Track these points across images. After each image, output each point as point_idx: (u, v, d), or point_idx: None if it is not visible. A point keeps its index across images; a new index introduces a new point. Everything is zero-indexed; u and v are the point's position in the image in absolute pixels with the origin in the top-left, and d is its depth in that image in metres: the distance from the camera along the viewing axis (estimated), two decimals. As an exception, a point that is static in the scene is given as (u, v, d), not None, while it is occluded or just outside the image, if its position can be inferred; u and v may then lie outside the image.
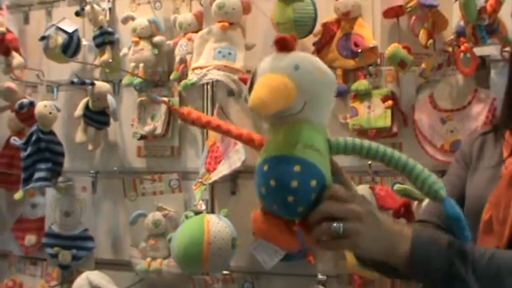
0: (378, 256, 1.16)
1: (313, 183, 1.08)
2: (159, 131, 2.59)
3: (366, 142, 1.16)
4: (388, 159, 1.15)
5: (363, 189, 2.19)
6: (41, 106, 2.57)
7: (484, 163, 1.42)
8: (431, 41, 2.10)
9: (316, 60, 1.14)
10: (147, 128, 2.60)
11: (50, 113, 2.58)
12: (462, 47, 2.06)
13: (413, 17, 2.16)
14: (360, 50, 2.28)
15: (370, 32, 2.30)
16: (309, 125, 1.12)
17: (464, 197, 1.44)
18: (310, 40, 2.36)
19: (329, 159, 1.14)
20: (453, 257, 1.14)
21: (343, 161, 2.29)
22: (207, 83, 2.48)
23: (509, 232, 1.26)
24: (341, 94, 2.31)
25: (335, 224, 1.08)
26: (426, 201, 1.99)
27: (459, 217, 1.15)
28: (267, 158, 1.11)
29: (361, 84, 2.26)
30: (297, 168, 1.07)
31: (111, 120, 2.65)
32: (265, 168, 1.10)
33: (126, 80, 2.65)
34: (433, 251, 1.15)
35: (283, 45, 1.12)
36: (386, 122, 2.21)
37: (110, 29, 2.70)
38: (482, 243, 1.30)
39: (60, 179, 2.72)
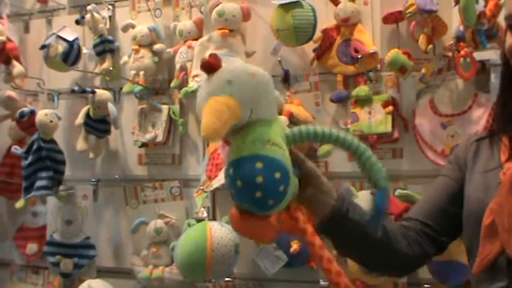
0: None
1: (278, 175, 1.14)
2: (160, 138, 2.59)
3: (320, 128, 1.24)
4: (341, 142, 1.24)
5: (364, 195, 2.19)
6: (42, 115, 2.58)
7: (480, 166, 1.42)
8: (431, 46, 2.10)
9: (244, 66, 1.19)
10: (148, 136, 2.60)
11: (51, 121, 2.58)
12: (462, 52, 2.06)
13: (413, 23, 2.17)
14: (360, 56, 2.28)
15: (369, 37, 2.30)
16: (262, 123, 1.18)
17: (452, 196, 1.46)
18: (310, 46, 2.37)
19: (288, 150, 1.20)
20: None
21: (345, 167, 2.33)
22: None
23: None
24: (342, 100, 2.32)
25: None
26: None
27: (381, 211, 1.26)
28: (231, 161, 1.16)
29: (362, 90, 2.26)
30: (259, 165, 1.13)
31: (112, 128, 2.66)
32: (231, 171, 1.15)
33: (126, 88, 2.66)
34: None
35: (210, 68, 1.16)
36: (387, 127, 2.21)
37: (110, 37, 2.70)
38: (484, 247, 1.30)
39: (62, 187, 2.71)
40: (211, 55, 1.17)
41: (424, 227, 1.46)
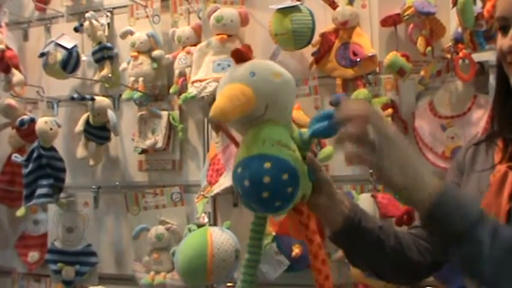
0: (402, 180, 1.12)
1: (285, 176, 1.13)
2: (160, 144, 2.59)
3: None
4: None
5: (365, 198, 2.19)
6: (42, 122, 2.58)
7: (476, 170, 1.42)
8: (429, 48, 2.10)
9: (272, 64, 1.22)
10: (148, 142, 2.60)
11: (51, 129, 2.58)
12: (460, 54, 2.07)
13: (411, 25, 2.17)
14: (358, 59, 2.28)
15: (368, 41, 2.30)
16: (274, 125, 1.18)
17: None
18: (308, 50, 2.36)
19: (299, 152, 1.19)
20: (480, 219, 1.11)
21: (345, 170, 2.32)
22: (207, 96, 2.48)
23: None
24: (341, 103, 2.31)
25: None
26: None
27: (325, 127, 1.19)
28: (240, 161, 1.16)
29: (361, 93, 2.26)
30: (267, 164, 1.12)
31: (112, 135, 2.65)
32: (239, 170, 1.15)
33: (126, 94, 2.66)
34: (463, 200, 1.13)
35: (240, 57, 1.20)
36: (387, 130, 2.21)
37: (108, 44, 2.70)
38: None
39: (62, 194, 2.71)
40: (244, 46, 1.19)
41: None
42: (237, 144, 1.28)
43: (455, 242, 1.11)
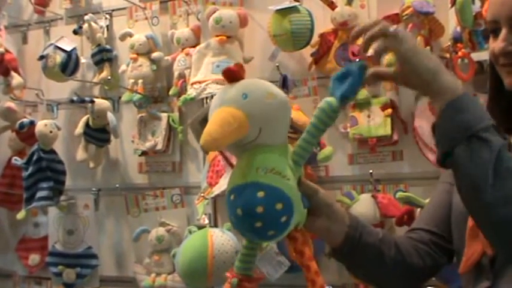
0: (430, 65, 1.15)
1: (279, 206, 1.09)
2: (159, 146, 2.59)
3: (305, 134, 1.18)
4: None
5: (365, 199, 2.19)
6: (41, 125, 2.58)
7: None
8: (428, 47, 2.09)
9: (265, 84, 1.15)
10: (148, 144, 2.60)
11: (51, 131, 2.58)
12: (459, 53, 2.06)
13: (410, 25, 2.16)
14: (358, 60, 2.27)
15: (367, 41, 2.30)
16: (268, 149, 1.13)
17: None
18: (307, 51, 2.37)
19: (294, 180, 1.15)
20: (493, 127, 1.13)
21: (345, 171, 2.32)
22: (207, 97, 2.46)
23: None
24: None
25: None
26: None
27: (349, 86, 1.18)
28: (233, 187, 1.13)
29: (361, 93, 2.25)
30: (260, 194, 1.08)
31: (112, 137, 2.66)
32: (232, 198, 1.12)
33: (125, 96, 2.65)
34: (477, 106, 1.15)
35: (231, 76, 1.14)
36: (387, 130, 2.21)
37: (108, 47, 2.70)
38: (469, 248, 1.30)
39: (62, 197, 2.71)
40: (236, 65, 1.14)
41: (431, 236, 1.45)
42: (232, 166, 1.26)
43: (466, 138, 1.11)
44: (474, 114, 1.12)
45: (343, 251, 1.32)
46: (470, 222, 1.29)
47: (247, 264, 1.24)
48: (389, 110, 2.21)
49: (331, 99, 1.17)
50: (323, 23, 2.36)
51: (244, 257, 1.24)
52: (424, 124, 2.18)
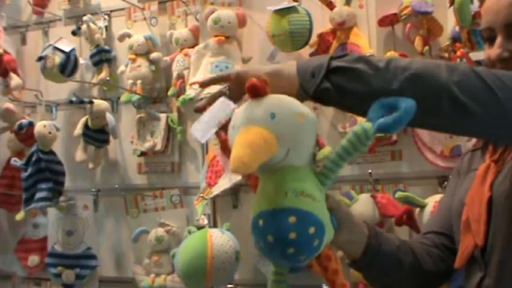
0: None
1: (312, 230, 1.06)
2: (158, 147, 2.59)
3: (334, 156, 1.13)
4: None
5: (364, 198, 2.19)
6: (40, 126, 2.58)
7: (472, 171, 1.44)
8: (427, 47, 2.10)
9: (293, 102, 1.10)
10: (147, 145, 2.60)
11: (50, 132, 2.59)
12: (458, 53, 2.06)
13: (408, 25, 2.17)
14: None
15: (366, 40, 2.30)
16: (296, 171, 1.09)
17: None
18: (306, 51, 2.36)
19: (323, 200, 1.11)
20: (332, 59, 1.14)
21: (345, 170, 2.29)
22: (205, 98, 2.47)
23: (484, 229, 1.27)
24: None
25: None
26: (428, 208, 2.00)
27: (390, 121, 1.09)
28: (261, 212, 1.08)
29: (359, 93, 2.25)
30: (292, 219, 1.04)
31: (111, 137, 2.66)
32: (261, 223, 1.08)
33: (124, 97, 2.65)
34: (314, 59, 1.16)
35: (255, 92, 1.09)
36: (385, 130, 2.20)
37: (106, 47, 2.71)
38: (463, 242, 1.32)
39: (62, 198, 2.71)
40: (260, 80, 1.09)
41: (442, 239, 1.46)
42: (254, 179, 1.21)
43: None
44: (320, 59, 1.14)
45: (363, 261, 1.31)
46: (463, 215, 1.32)
47: None
48: (388, 110, 2.20)
49: (367, 126, 1.10)
50: (322, 23, 2.35)
51: (276, 284, 1.20)
52: (422, 124, 2.19)
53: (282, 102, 1.09)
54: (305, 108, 1.11)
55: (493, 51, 1.29)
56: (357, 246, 1.29)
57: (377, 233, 1.33)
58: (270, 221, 1.06)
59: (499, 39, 1.28)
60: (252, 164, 1.01)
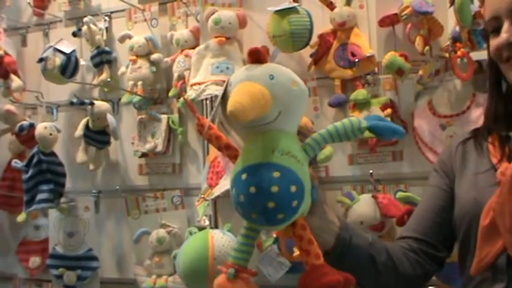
0: None
1: (293, 188, 1.10)
2: (159, 148, 2.59)
3: (324, 131, 1.22)
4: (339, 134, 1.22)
5: (365, 199, 2.19)
6: (41, 128, 2.58)
7: (470, 169, 1.42)
8: (427, 47, 2.10)
9: (290, 71, 1.19)
10: (148, 146, 2.60)
11: (50, 134, 2.59)
12: (459, 52, 2.06)
13: (409, 25, 2.17)
14: (357, 60, 2.28)
15: (366, 41, 2.30)
16: (284, 133, 1.15)
17: (443, 206, 1.46)
18: (307, 52, 2.36)
19: (307, 167, 1.16)
20: None
21: (345, 171, 2.32)
22: (206, 99, 2.48)
23: None
24: (340, 104, 2.32)
25: None
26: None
27: (385, 125, 1.23)
28: (246, 166, 1.13)
29: (360, 93, 2.26)
30: (276, 174, 1.09)
31: (112, 139, 2.66)
32: (244, 176, 1.11)
33: (125, 98, 2.66)
34: None
35: (257, 57, 1.16)
36: (386, 130, 2.21)
37: (107, 48, 2.71)
38: (482, 248, 1.29)
39: (63, 199, 2.71)
40: (263, 47, 1.17)
41: (421, 245, 1.45)
42: (230, 149, 1.26)
43: None
44: None
45: (335, 253, 1.32)
46: (484, 221, 1.28)
47: (245, 255, 1.24)
48: (389, 110, 2.21)
49: (363, 121, 1.22)
50: (322, 24, 2.36)
51: (242, 246, 1.23)
52: (423, 124, 2.19)
53: (281, 68, 1.18)
54: (299, 79, 1.20)
55: (500, 38, 1.29)
56: (328, 236, 1.31)
57: (348, 226, 1.35)
58: (255, 173, 1.11)
59: (506, 25, 1.28)
60: (250, 111, 1.07)
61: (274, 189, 1.08)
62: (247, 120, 1.07)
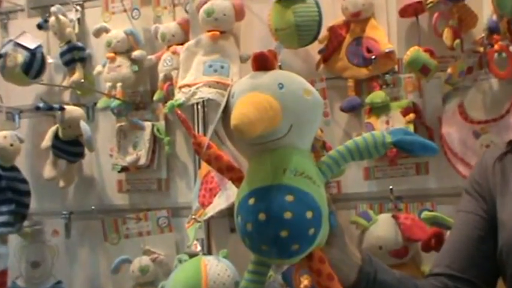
0: None
1: (309, 214, 1.09)
2: (143, 161, 2.61)
3: (343, 148, 1.22)
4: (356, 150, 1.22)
5: (384, 219, 2.21)
6: (0, 137, 2.57)
7: None
8: (457, 41, 2.10)
9: (300, 79, 1.18)
10: (129, 158, 2.61)
11: (11, 145, 2.58)
12: (496, 46, 2.06)
13: (436, 14, 2.17)
14: (373, 57, 2.29)
15: (384, 34, 2.32)
16: (296, 151, 1.14)
17: (480, 234, 1.44)
18: (315, 48, 2.38)
19: (323, 189, 1.15)
20: None
21: (360, 187, 2.33)
22: (197, 103, 2.48)
23: None
24: (354, 108, 2.33)
25: None
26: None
27: (414, 139, 1.23)
28: (253, 190, 1.12)
29: (377, 96, 2.27)
30: (289, 198, 1.08)
31: (86, 150, 2.66)
32: (251, 201, 1.10)
33: (101, 102, 2.66)
34: None
35: (263, 63, 1.15)
36: (409, 139, 2.22)
37: (79, 44, 2.72)
38: None
39: (26, 223, 2.71)
40: (271, 51, 1.16)
41: (457, 283, 1.43)
42: (234, 171, 1.26)
43: None
44: None
45: None
46: None
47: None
48: (412, 115, 2.22)
49: (387, 135, 1.22)
50: (333, 14, 2.37)
51: (249, 284, 1.20)
52: (453, 131, 2.20)
53: (291, 75, 1.18)
54: (312, 87, 1.18)
55: None
56: (350, 269, 1.30)
57: (371, 259, 1.34)
58: (264, 197, 1.10)
59: None
60: (257, 125, 1.05)
61: (287, 215, 1.07)
62: (254, 135, 1.06)
